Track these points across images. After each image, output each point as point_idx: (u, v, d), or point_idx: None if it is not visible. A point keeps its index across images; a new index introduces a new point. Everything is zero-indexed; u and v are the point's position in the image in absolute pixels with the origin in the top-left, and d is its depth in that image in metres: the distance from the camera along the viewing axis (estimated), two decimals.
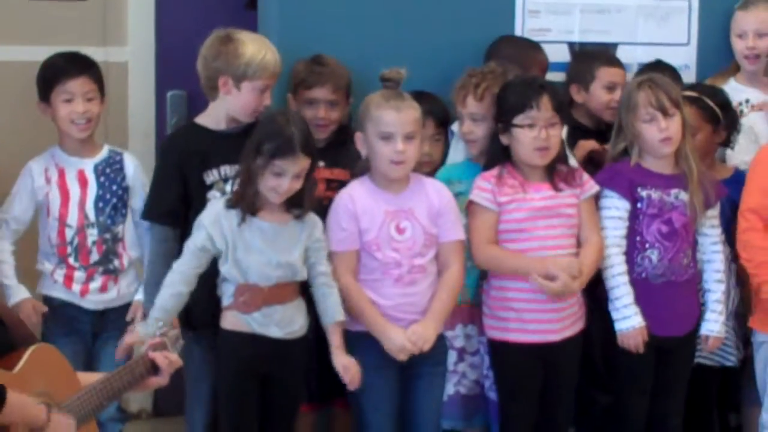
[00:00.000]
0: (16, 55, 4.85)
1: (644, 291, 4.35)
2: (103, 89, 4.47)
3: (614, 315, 4.33)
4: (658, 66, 4.83)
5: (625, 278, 4.32)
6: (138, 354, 3.35)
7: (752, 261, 4.44)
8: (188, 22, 4.92)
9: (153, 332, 3.42)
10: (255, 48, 4.24)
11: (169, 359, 3.28)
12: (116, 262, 4.41)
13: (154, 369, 3.27)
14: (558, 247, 4.26)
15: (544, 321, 4.25)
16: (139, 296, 4.41)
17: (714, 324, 4.44)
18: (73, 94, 4.36)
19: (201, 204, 4.13)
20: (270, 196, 3.95)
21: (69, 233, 4.35)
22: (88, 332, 4.38)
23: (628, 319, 4.31)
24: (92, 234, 4.36)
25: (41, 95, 4.42)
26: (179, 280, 3.93)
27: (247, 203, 3.96)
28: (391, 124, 4.07)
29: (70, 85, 4.36)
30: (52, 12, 5.07)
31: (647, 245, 4.37)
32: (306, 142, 3.93)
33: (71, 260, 4.35)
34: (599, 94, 4.74)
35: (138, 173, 4.49)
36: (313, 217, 4.08)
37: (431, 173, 4.40)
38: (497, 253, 4.24)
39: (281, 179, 3.91)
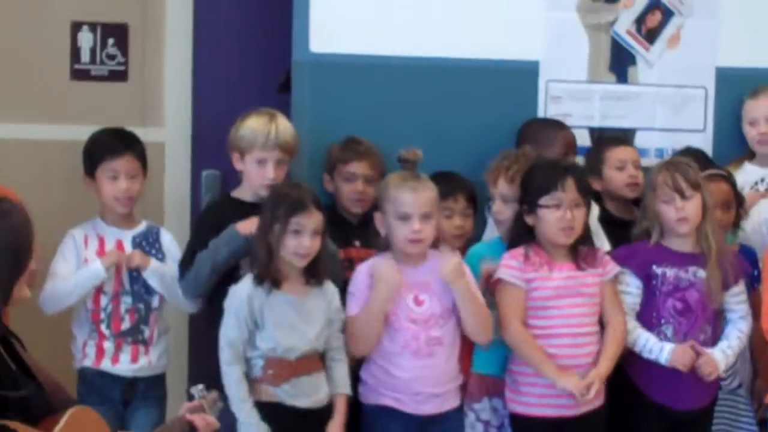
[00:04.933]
0: (60, 134, 4.88)
1: (661, 366, 4.33)
2: (146, 166, 4.52)
3: (654, 356, 4.31)
4: (691, 152, 4.83)
5: (642, 330, 4.34)
6: (175, 415, 3.33)
7: None
8: (223, 104, 4.93)
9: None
10: (254, 122, 4.36)
11: (206, 421, 3.24)
12: (146, 333, 4.41)
13: (191, 431, 3.24)
14: (581, 325, 4.27)
15: (564, 395, 4.22)
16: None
17: (720, 353, 4.38)
18: (118, 172, 4.40)
19: (232, 270, 4.19)
20: (294, 260, 4.00)
21: (104, 300, 4.36)
22: (118, 400, 4.37)
23: (665, 349, 4.30)
24: (126, 302, 4.37)
25: (87, 170, 4.46)
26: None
27: (271, 277, 4.00)
28: (408, 204, 4.10)
29: (116, 164, 4.40)
30: (95, 93, 5.10)
31: (663, 321, 4.37)
32: (315, 199, 4.03)
33: (103, 327, 4.36)
34: (612, 175, 4.73)
35: (173, 244, 4.54)
36: (331, 287, 4.12)
37: (465, 245, 4.45)
38: (526, 338, 4.23)
39: (301, 238, 3.96)
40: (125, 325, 4.38)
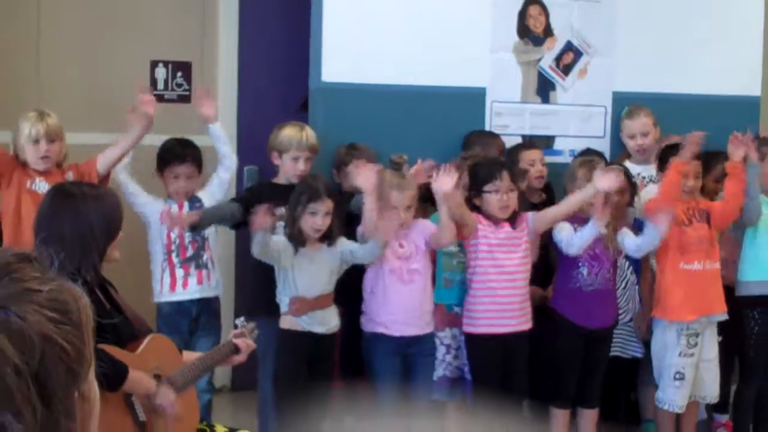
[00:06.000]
0: (142, 141, 4.81)
1: (578, 297, 4.35)
2: (200, 168, 4.47)
3: (588, 230, 4.20)
4: (591, 152, 4.84)
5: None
6: (225, 340, 3.37)
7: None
8: (259, 119, 4.97)
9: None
10: (287, 131, 4.34)
11: (247, 343, 3.30)
12: (205, 257, 4.37)
13: (236, 350, 3.28)
14: (519, 267, 4.27)
15: (504, 318, 4.24)
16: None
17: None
18: (179, 174, 4.38)
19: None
20: (310, 233, 4.00)
21: (173, 235, 4.34)
22: (186, 331, 4.34)
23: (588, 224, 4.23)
24: (187, 236, 4.33)
25: (158, 168, 4.43)
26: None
27: (295, 239, 4.01)
28: (396, 200, 4.10)
29: (178, 169, 4.38)
30: (167, 111, 5.01)
31: (580, 263, 4.35)
32: (328, 190, 4.02)
33: (173, 255, 4.32)
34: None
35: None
36: (342, 242, 4.09)
37: None
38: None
39: (316, 217, 3.97)
40: (189, 252, 4.33)
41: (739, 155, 4.46)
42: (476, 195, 4.24)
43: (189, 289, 4.35)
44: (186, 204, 4.42)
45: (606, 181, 4.15)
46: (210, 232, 4.41)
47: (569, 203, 4.29)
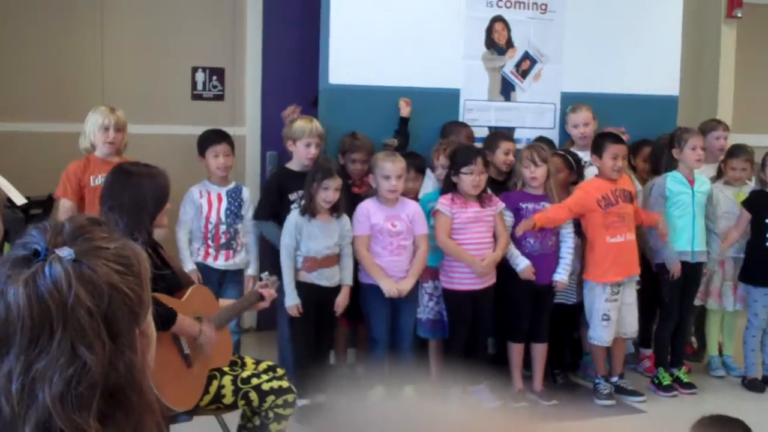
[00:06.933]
0: (185, 131, 4.86)
1: (528, 260, 4.38)
2: (233, 150, 4.47)
3: (514, 261, 4.33)
4: (543, 139, 4.85)
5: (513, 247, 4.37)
6: (252, 289, 3.38)
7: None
8: (279, 113, 4.92)
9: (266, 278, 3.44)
10: (299, 123, 4.30)
11: (269, 293, 3.31)
12: (234, 245, 4.33)
13: (261, 298, 3.29)
14: (483, 239, 4.28)
15: (473, 277, 4.27)
16: (250, 271, 4.36)
17: (561, 275, 4.45)
18: (219, 153, 4.34)
19: (287, 210, 4.18)
20: (323, 205, 4.02)
21: (210, 226, 4.30)
22: (215, 283, 4.28)
23: (522, 263, 4.33)
24: (222, 228, 4.30)
25: (200, 152, 4.41)
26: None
27: (309, 210, 4.02)
28: (389, 170, 4.12)
29: (217, 148, 4.35)
30: (205, 107, 5.16)
31: (528, 234, 4.39)
32: (339, 169, 4.06)
33: (209, 241, 4.29)
34: (500, 156, 4.63)
35: (249, 198, 4.44)
36: (345, 217, 4.12)
37: (415, 197, 4.44)
38: (451, 244, 4.26)
39: (328, 192, 3.99)
40: (222, 240, 4.30)
41: (663, 223, 4.57)
42: (454, 174, 4.26)
43: (218, 262, 4.30)
44: (225, 195, 4.34)
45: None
46: (241, 226, 4.36)
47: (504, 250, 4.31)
